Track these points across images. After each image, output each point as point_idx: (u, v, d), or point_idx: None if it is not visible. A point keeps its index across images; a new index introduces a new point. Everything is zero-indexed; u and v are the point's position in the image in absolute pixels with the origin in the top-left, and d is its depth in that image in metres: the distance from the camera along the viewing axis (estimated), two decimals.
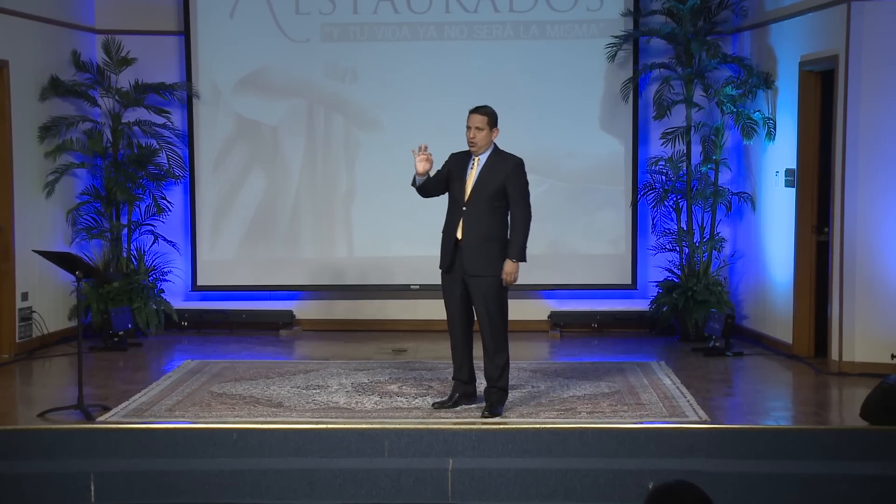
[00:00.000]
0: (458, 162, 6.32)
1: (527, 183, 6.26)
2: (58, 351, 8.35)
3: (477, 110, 6.26)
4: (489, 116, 6.23)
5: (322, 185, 9.28)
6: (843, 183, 7.39)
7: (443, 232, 6.35)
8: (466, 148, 6.31)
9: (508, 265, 6.19)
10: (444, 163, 6.41)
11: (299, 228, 9.34)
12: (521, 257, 6.23)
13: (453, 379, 6.51)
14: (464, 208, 6.21)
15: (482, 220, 6.19)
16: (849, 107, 7.33)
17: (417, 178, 6.30)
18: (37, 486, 5.76)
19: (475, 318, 6.37)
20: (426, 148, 6.26)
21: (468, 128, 6.23)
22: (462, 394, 6.45)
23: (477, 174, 6.22)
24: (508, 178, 6.19)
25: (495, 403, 6.28)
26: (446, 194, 6.38)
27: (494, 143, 6.31)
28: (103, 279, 8.62)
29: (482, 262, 6.18)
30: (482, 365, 6.39)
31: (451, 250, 6.24)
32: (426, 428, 5.98)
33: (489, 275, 6.19)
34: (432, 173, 6.34)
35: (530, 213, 6.25)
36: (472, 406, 6.50)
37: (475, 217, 6.19)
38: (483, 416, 6.20)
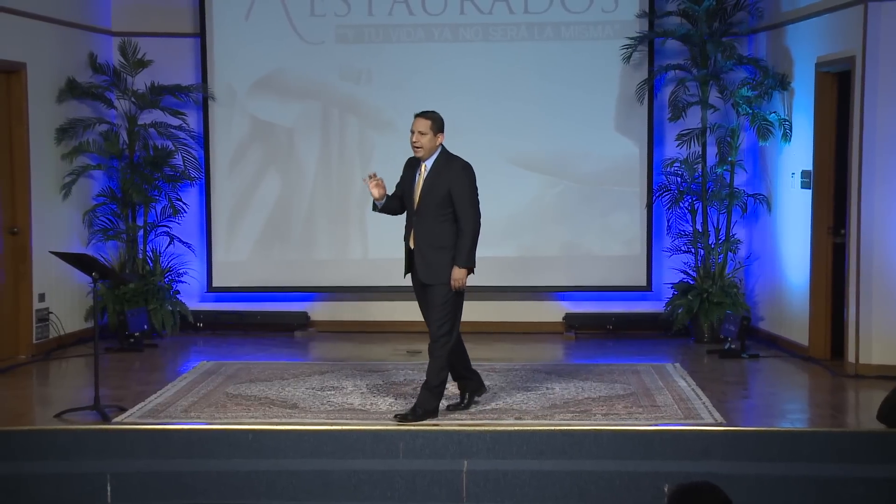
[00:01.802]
0: (411, 168, 6.27)
1: (473, 187, 6.16)
2: (74, 352, 8.39)
3: (422, 114, 6.18)
4: (433, 121, 6.15)
5: (337, 186, 9.29)
6: (860, 184, 7.36)
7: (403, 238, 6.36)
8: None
9: (455, 272, 6.11)
10: (403, 170, 6.37)
11: (314, 230, 9.35)
12: (468, 263, 6.14)
13: (455, 380, 6.50)
14: (414, 217, 6.19)
15: (432, 229, 6.14)
16: (865, 108, 7.30)
17: (376, 202, 6.29)
18: (53, 487, 5.79)
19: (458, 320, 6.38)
20: (375, 175, 6.24)
21: (412, 132, 6.15)
22: (471, 391, 6.46)
23: (423, 181, 6.17)
24: (452, 183, 6.10)
25: (416, 405, 6.21)
26: None
27: (443, 147, 6.22)
28: (119, 280, 8.66)
29: (433, 272, 6.14)
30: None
31: (408, 258, 6.25)
32: (441, 429, 5.98)
33: (439, 283, 6.15)
34: (390, 191, 6.33)
35: (478, 218, 6.15)
36: (487, 408, 6.50)
37: (425, 225, 6.15)
38: (401, 416, 6.16)
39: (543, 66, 9.15)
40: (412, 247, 6.21)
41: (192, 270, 9.36)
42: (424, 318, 6.39)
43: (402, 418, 6.15)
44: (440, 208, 6.13)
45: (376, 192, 6.22)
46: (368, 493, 5.77)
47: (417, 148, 6.16)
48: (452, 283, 6.13)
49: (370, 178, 6.24)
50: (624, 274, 9.21)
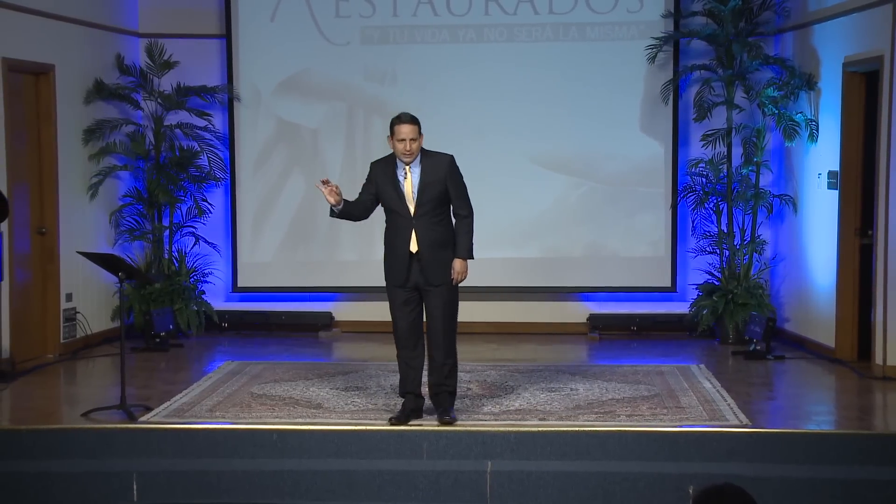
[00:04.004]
0: (385, 173, 6.08)
1: (462, 177, 6.13)
2: (101, 351, 8.45)
3: (409, 119, 6.00)
4: (419, 125, 6.05)
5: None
6: (888, 185, 7.30)
7: (388, 245, 6.16)
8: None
9: (459, 264, 6.07)
10: (367, 177, 6.18)
11: (338, 230, 9.36)
12: (471, 255, 6.13)
13: (406, 393, 6.18)
14: (413, 220, 6.03)
15: (433, 229, 6.05)
16: (894, 108, 7.23)
17: (333, 208, 6.07)
18: (80, 485, 5.83)
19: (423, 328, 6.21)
20: (327, 181, 6.04)
21: (402, 140, 5.95)
22: (414, 408, 6.18)
23: (417, 183, 6.04)
24: (448, 178, 6.05)
25: (449, 407, 6.16)
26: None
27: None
28: (145, 280, 8.71)
29: (440, 271, 6.06)
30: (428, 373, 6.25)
31: (405, 264, 6.06)
32: (464, 430, 5.98)
33: (446, 282, 6.09)
34: (353, 195, 6.16)
35: (472, 208, 6.13)
36: (511, 409, 6.49)
37: (426, 227, 6.04)
38: (443, 421, 6.05)
39: (568, 66, 9.13)
40: (414, 250, 6.06)
41: (218, 271, 9.41)
42: (400, 325, 6.13)
43: (446, 422, 6.05)
44: (438, 207, 6.06)
45: (332, 199, 6.02)
46: (392, 493, 5.78)
47: (409, 155, 6.01)
48: (457, 275, 6.08)
49: (323, 184, 6.02)
50: (648, 275, 9.18)
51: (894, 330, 7.29)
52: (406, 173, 6.07)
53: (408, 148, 6.00)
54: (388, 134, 6.10)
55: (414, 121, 6.04)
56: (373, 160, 6.32)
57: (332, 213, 6.19)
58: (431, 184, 6.04)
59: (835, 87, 8.00)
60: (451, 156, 6.15)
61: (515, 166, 9.09)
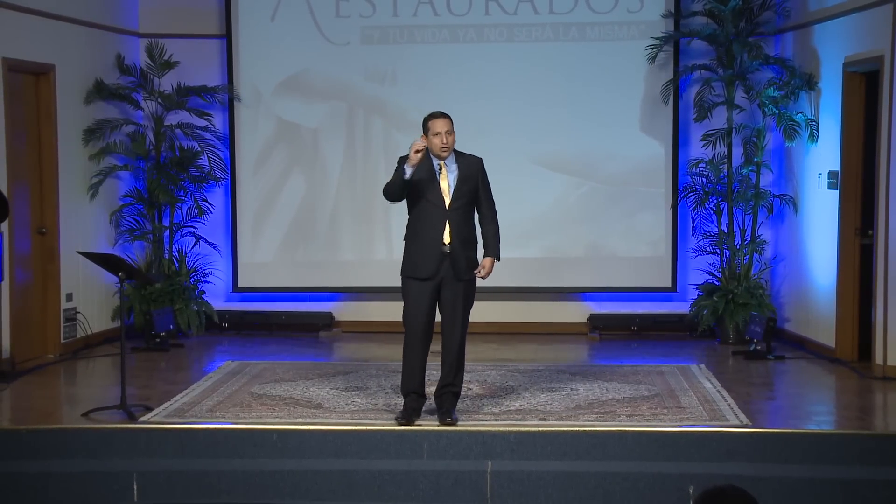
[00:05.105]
0: (420, 166, 6.06)
1: (488, 179, 6.29)
2: (101, 351, 8.45)
3: (443, 115, 6.11)
4: (452, 121, 6.15)
5: (361, 187, 9.31)
6: (888, 185, 7.30)
7: (414, 236, 6.14)
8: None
9: (490, 263, 6.18)
10: (396, 171, 6.10)
11: (339, 230, 9.38)
12: (499, 257, 6.26)
13: (409, 393, 6.14)
14: (448, 213, 6.09)
15: (464, 224, 6.13)
16: (894, 108, 7.23)
17: (408, 169, 5.94)
18: (80, 485, 5.83)
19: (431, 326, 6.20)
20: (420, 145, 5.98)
21: (438, 133, 6.03)
22: (416, 407, 6.16)
23: (454, 178, 6.12)
24: (480, 179, 6.18)
25: (451, 409, 6.17)
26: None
27: None
28: (146, 280, 8.71)
29: (468, 266, 6.13)
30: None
31: (437, 257, 6.07)
32: (464, 430, 5.98)
33: (472, 278, 6.17)
34: (387, 177, 6.14)
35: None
36: (511, 409, 6.49)
37: (459, 221, 6.11)
38: (444, 422, 6.04)
39: (568, 66, 9.14)
40: (446, 242, 6.09)
41: (218, 271, 9.41)
42: (416, 321, 6.09)
43: (447, 424, 6.05)
44: (469, 205, 6.17)
45: (417, 157, 5.91)
46: (392, 493, 5.78)
47: (446, 149, 6.09)
48: (485, 273, 6.15)
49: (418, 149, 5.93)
50: (649, 275, 9.18)
51: (894, 330, 7.29)
52: (441, 168, 6.14)
53: (444, 141, 6.08)
54: (422, 133, 6.14)
55: (447, 115, 6.16)
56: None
57: (404, 177, 6.00)
58: (467, 180, 6.15)
59: (835, 88, 8.00)
60: (482, 158, 6.26)
61: (516, 166, 9.08)
